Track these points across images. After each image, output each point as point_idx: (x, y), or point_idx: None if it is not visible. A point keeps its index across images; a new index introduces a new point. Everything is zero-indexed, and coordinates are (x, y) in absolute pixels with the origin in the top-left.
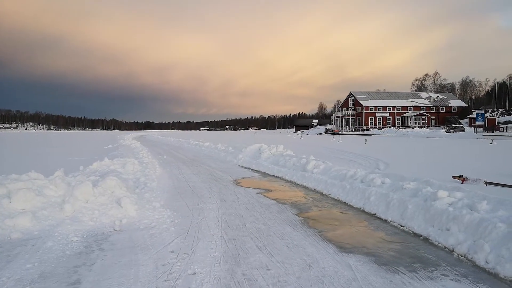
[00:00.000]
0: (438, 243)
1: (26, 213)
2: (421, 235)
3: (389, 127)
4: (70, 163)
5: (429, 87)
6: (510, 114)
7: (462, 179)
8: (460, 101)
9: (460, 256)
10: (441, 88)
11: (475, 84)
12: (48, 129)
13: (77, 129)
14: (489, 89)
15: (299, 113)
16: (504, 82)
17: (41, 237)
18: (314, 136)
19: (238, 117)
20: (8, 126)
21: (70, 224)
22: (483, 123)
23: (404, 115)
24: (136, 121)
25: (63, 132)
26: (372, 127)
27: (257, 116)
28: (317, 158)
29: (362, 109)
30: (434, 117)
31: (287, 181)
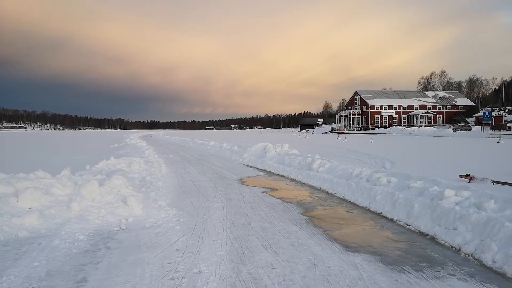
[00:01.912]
0: (445, 242)
1: (34, 211)
2: (427, 234)
3: (395, 126)
4: (76, 162)
5: (435, 86)
6: None
7: (469, 178)
8: (467, 99)
9: (467, 255)
10: (448, 86)
11: (482, 82)
12: (54, 129)
13: (83, 129)
14: (496, 88)
15: (304, 112)
16: (511, 80)
17: (48, 236)
18: (319, 135)
19: (243, 117)
20: (15, 125)
21: (76, 222)
22: (490, 122)
23: (410, 113)
24: (141, 121)
25: (69, 132)
26: (378, 126)
27: (262, 115)
28: (323, 157)
29: (367, 108)
30: (441, 115)
31: (292, 180)
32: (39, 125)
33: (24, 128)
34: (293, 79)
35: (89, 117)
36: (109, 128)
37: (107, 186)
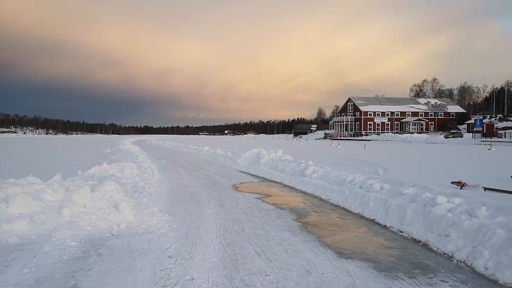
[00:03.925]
0: (437, 249)
1: (24, 217)
2: (420, 241)
3: (388, 132)
4: (68, 167)
5: (427, 93)
6: (508, 120)
7: (461, 184)
8: (458, 107)
9: (459, 262)
10: (440, 94)
11: (473, 90)
12: (46, 133)
13: (76, 134)
14: (487, 95)
15: (298, 118)
16: (502, 88)
17: (38, 242)
18: (312, 141)
19: (237, 122)
20: (7, 130)
21: (67, 228)
22: (481, 129)
23: (403, 120)
24: (135, 126)
25: (61, 136)
26: (371, 132)
27: (256, 121)
28: (316, 163)
29: (360, 114)
30: (433, 122)
31: (286, 186)
32: (31, 130)
33: (15, 132)
34: (288, 85)
35: (81, 121)
36: (101, 133)
37: (99, 192)
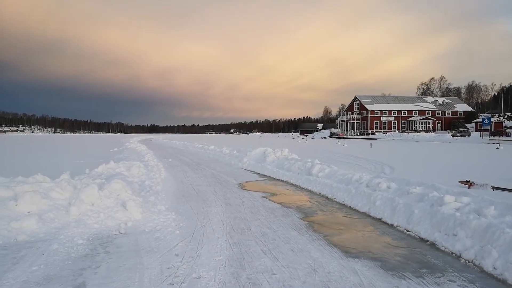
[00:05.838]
0: (445, 248)
1: (32, 215)
2: (427, 240)
3: (395, 131)
4: (76, 166)
5: (435, 91)
6: None
7: (469, 183)
8: (466, 105)
9: (467, 261)
10: (447, 92)
11: (481, 88)
12: (54, 132)
13: (83, 132)
14: (495, 94)
15: (304, 117)
16: (510, 86)
17: (47, 240)
18: (319, 140)
19: (243, 121)
20: (15, 129)
21: (75, 226)
22: (489, 128)
23: (410, 119)
24: (141, 125)
25: (69, 135)
26: (377, 131)
27: (262, 119)
28: (322, 162)
29: (367, 113)
30: (440, 121)
31: (292, 185)
32: (39, 129)
33: (23, 131)
34: (293, 84)
35: (88, 120)
36: (108, 132)
37: (106, 190)
